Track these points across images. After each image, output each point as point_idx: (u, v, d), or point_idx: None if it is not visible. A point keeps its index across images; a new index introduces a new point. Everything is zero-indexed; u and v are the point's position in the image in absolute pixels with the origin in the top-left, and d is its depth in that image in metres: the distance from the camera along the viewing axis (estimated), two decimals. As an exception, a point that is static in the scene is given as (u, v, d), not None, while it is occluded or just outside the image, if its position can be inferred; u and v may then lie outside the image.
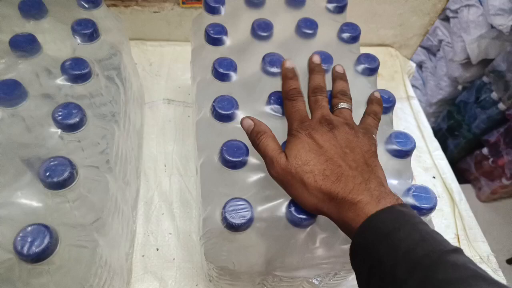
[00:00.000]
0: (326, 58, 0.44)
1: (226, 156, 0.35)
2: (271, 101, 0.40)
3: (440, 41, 1.38)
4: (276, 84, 0.42)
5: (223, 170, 0.36)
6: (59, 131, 0.35)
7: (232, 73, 0.42)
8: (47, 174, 0.31)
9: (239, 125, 0.40)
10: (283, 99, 0.38)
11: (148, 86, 0.64)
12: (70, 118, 0.35)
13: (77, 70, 0.39)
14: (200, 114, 0.43)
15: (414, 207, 0.33)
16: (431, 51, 1.46)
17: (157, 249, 0.48)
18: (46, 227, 0.29)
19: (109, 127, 0.41)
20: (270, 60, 0.43)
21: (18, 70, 0.39)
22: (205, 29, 0.45)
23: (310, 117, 0.36)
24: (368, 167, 0.31)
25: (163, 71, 0.66)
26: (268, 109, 0.40)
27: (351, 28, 0.47)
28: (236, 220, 0.32)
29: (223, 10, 0.48)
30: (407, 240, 0.26)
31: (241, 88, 0.43)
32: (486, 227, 0.55)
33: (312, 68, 0.41)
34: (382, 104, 0.40)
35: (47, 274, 0.30)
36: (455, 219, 0.55)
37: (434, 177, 0.59)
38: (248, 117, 0.36)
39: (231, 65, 0.43)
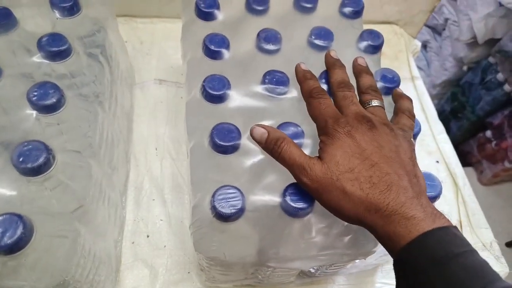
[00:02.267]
0: (326, 34, 0.41)
1: (217, 140, 0.33)
2: (266, 80, 0.37)
3: (446, 19, 1.33)
4: (271, 63, 0.39)
5: (214, 155, 0.34)
6: (35, 112, 0.33)
7: (224, 51, 0.39)
8: (21, 159, 0.29)
9: (232, 106, 0.37)
10: (305, 99, 0.34)
11: (138, 65, 0.60)
12: (46, 99, 0.33)
13: (54, 47, 0.36)
14: (190, 95, 0.40)
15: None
16: (436, 30, 1.41)
17: (148, 236, 0.46)
18: (19, 216, 0.27)
19: (92, 108, 0.38)
20: (266, 36, 0.40)
21: (-8, 46, 0.36)
22: (196, 2, 0.42)
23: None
24: (414, 178, 0.28)
25: (154, 49, 0.63)
26: (262, 89, 0.37)
27: (354, 2, 0.43)
28: (226, 209, 0.30)
29: (215, -19, 0.44)
30: (463, 269, 0.23)
31: (234, 66, 0.40)
32: (486, 210, 0.53)
33: (332, 63, 0.36)
34: (412, 100, 0.36)
35: (23, 266, 0.28)
36: (458, 204, 0.53)
37: (437, 162, 0.57)
38: (259, 125, 0.31)
39: (223, 42, 0.40)
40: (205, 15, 0.42)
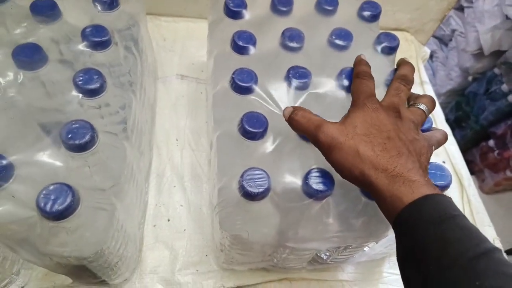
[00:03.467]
0: (346, 35, 0.44)
1: (247, 126, 0.35)
2: (290, 75, 0.40)
3: (453, 30, 1.36)
4: (294, 60, 0.42)
5: (242, 141, 0.36)
6: (80, 95, 0.36)
7: (251, 47, 0.42)
8: (69, 136, 0.31)
9: (257, 98, 0.40)
10: (353, 78, 0.37)
11: (161, 61, 0.63)
12: (91, 83, 0.35)
13: (97, 37, 0.39)
14: (217, 87, 0.43)
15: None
16: (443, 41, 1.44)
17: (168, 220, 0.49)
18: (69, 186, 0.30)
19: (127, 96, 0.41)
20: (290, 35, 0.43)
21: (38, 35, 0.39)
22: (225, 1, 0.45)
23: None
24: (426, 161, 0.31)
25: (177, 47, 0.66)
26: (286, 82, 0.40)
27: (372, 6, 0.46)
28: (254, 189, 0.32)
29: (242, -17, 0.48)
30: (458, 229, 0.26)
31: (259, 62, 0.42)
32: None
33: (405, 61, 0.39)
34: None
35: (67, 233, 0.31)
36: (463, 203, 0.56)
37: (444, 162, 0.59)
38: (290, 107, 0.35)
39: (251, 39, 0.42)
40: (233, 14, 0.45)
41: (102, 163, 0.35)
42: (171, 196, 0.51)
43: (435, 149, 0.35)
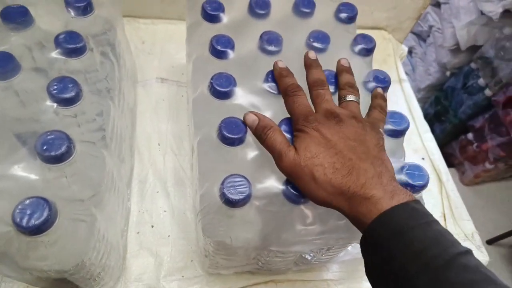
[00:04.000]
0: (323, 37, 0.44)
1: (225, 133, 0.35)
2: (269, 79, 0.40)
3: (431, 26, 1.39)
4: (272, 63, 0.42)
5: (221, 147, 0.36)
6: (55, 105, 0.35)
7: (229, 51, 0.42)
8: (45, 147, 0.31)
9: (237, 102, 0.40)
10: (283, 96, 0.37)
11: (141, 64, 0.63)
12: (66, 92, 0.35)
13: (71, 44, 0.38)
14: (197, 92, 0.42)
15: (407, 184, 0.34)
16: (421, 37, 1.47)
17: (152, 226, 0.48)
18: (45, 200, 0.29)
19: (105, 103, 0.40)
20: (268, 38, 0.43)
21: (11, 43, 0.38)
22: (202, 5, 0.45)
23: (314, 111, 0.35)
24: (378, 160, 0.31)
25: (156, 49, 0.65)
26: (266, 86, 0.40)
27: (348, 8, 0.47)
28: (235, 196, 0.32)
29: (219, -14, 0.47)
30: (420, 239, 0.26)
31: (238, 66, 0.42)
32: (468, 210, 0.57)
33: (309, 64, 0.39)
34: (386, 99, 0.40)
35: (46, 247, 0.30)
36: (442, 198, 0.57)
37: (423, 159, 0.61)
38: (252, 112, 0.35)
39: (229, 43, 0.42)
40: (211, 17, 0.45)
41: (80, 173, 0.34)
42: (154, 202, 0.50)
43: (383, 122, 0.36)
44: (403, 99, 0.67)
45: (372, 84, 0.41)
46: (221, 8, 0.45)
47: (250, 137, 0.37)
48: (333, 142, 0.31)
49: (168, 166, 0.53)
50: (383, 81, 0.41)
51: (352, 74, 0.40)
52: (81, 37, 0.39)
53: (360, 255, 0.49)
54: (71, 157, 0.32)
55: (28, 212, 0.28)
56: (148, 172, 0.52)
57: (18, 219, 0.28)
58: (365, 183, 0.29)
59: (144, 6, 0.66)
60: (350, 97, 0.36)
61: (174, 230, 0.48)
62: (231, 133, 0.36)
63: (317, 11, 0.47)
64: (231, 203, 0.33)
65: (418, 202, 0.28)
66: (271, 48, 0.43)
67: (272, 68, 0.41)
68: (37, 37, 0.40)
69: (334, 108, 0.35)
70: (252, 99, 0.40)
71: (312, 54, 0.40)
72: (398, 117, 0.38)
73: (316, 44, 0.44)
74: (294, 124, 0.35)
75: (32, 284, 0.37)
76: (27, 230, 0.28)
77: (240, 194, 0.32)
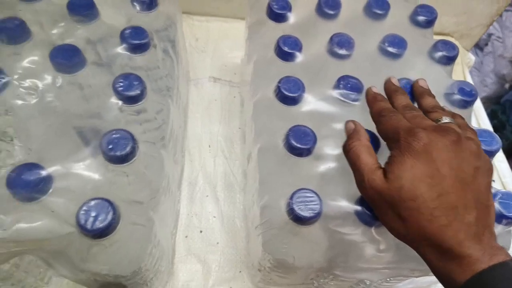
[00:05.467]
0: (400, 42, 0.40)
1: (293, 142, 0.33)
2: (341, 85, 0.37)
3: (490, 35, 1.29)
4: (343, 68, 0.39)
5: (287, 157, 0.34)
6: (120, 102, 0.34)
7: (297, 53, 0.39)
8: (110, 147, 0.30)
9: (304, 110, 0.37)
10: (375, 120, 0.31)
11: (193, 62, 0.61)
12: (131, 90, 0.33)
13: (137, 39, 0.37)
14: (258, 95, 0.40)
15: (501, 215, 0.30)
16: (478, 45, 1.37)
17: (201, 231, 0.47)
18: (110, 202, 0.28)
19: (165, 102, 0.39)
20: (339, 41, 0.39)
21: (76, 35, 0.37)
22: (268, 2, 0.42)
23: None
24: (485, 211, 0.26)
25: (209, 47, 0.63)
26: (336, 93, 0.37)
27: (427, 10, 0.43)
28: (305, 212, 0.30)
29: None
30: None
31: (305, 69, 0.40)
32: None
33: (394, 90, 0.34)
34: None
35: (105, 251, 0.29)
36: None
37: (493, 181, 0.55)
38: (352, 120, 0.31)
39: (296, 44, 0.40)
40: (277, 16, 0.42)
41: (140, 174, 0.33)
42: (203, 206, 0.48)
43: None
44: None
45: (456, 97, 0.37)
46: (288, 7, 0.42)
47: (318, 148, 0.34)
48: (441, 174, 0.25)
49: (218, 170, 0.51)
50: (469, 94, 0.37)
51: (434, 97, 0.34)
52: (146, 32, 0.37)
53: (422, 285, 0.45)
54: (134, 158, 0.31)
55: (93, 214, 0.27)
56: (198, 175, 0.51)
57: (83, 221, 0.27)
58: (463, 240, 0.24)
59: (199, 3, 0.65)
60: (447, 119, 0.29)
61: (223, 238, 0.46)
62: (300, 142, 0.33)
63: (391, 13, 0.43)
64: (300, 220, 0.30)
65: None
66: (342, 51, 0.39)
67: (340, 74, 0.38)
68: (101, 31, 0.39)
69: (455, 127, 0.28)
70: (321, 106, 0.37)
71: (395, 80, 0.35)
72: (487, 136, 0.34)
73: (390, 49, 0.40)
74: (392, 141, 0.28)
75: (83, 285, 0.36)
76: (91, 233, 0.27)
77: (310, 211, 0.30)
